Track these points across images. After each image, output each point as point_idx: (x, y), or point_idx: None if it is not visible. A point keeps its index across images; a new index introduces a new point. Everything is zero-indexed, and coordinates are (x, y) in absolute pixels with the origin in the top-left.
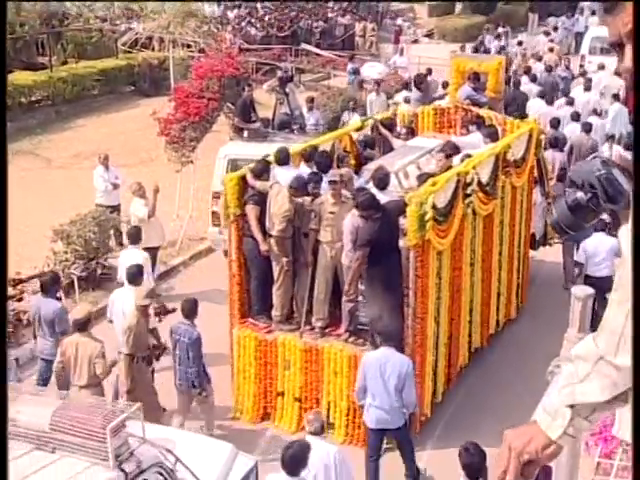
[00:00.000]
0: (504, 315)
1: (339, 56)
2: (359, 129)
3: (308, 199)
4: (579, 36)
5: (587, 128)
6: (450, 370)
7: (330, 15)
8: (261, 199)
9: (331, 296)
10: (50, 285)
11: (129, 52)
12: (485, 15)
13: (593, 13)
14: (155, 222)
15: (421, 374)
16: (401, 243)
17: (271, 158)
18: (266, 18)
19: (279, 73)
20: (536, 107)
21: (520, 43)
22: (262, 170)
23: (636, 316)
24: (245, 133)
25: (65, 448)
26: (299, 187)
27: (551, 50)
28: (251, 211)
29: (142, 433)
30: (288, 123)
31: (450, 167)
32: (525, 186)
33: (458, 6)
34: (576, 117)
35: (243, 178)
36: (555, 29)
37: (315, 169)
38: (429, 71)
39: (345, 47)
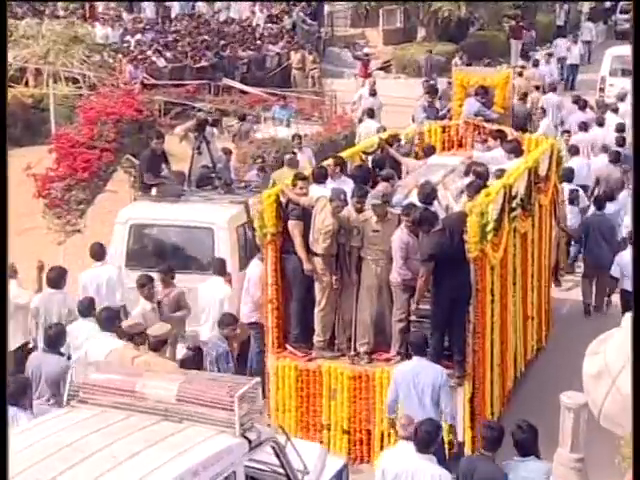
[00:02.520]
0: (537, 341)
1: (271, 94)
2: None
3: (354, 214)
4: (573, 69)
5: (614, 158)
6: (504, 392)
7: (259, 42)
8: (303, 214)
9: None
10: (55, 339)
11: None
12: (454, 43)
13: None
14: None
15: (480, 393)
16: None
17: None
18: (177, 45)
19: (197, 115)
20: None
21: None
22: (320, 175)
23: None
24: (153, 191)
25: (192, 418)
26: (339, 200)
27: (520, 75)
28: (295, 227)
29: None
30: (209, 178)
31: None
32: (548, 207)
33: (421, 32)
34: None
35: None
36: (535, 63)
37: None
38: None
39: (279, 82)
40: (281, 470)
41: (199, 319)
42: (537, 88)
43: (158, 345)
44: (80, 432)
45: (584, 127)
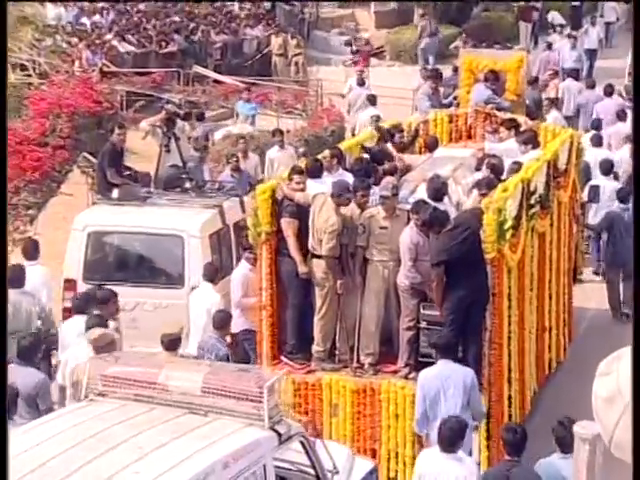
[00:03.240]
0: (556, 355)
1: (249, 84)
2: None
3: (357, 210)
4: (591, 54)
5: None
6: (523, 411)
7: (235, 25)
8: (299, 212)
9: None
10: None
11: None
12: (456, 25)
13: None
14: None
15: (497, 410)
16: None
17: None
18: (142, 28)
19: (166, 107)
20: None
21: None
22: (316, 170)
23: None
24: (115, 194)
25: (218, 410)
26: (343, 194)
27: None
28: (289, 225)
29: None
30: (179, 179)
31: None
32: (568, 204)
33: (418, 13)
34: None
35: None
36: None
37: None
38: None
39: (258, 70)
40: (309, 470)
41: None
42: (555, 74)
43: (172, 344)
44: (102, 424)
45: (623, 116)
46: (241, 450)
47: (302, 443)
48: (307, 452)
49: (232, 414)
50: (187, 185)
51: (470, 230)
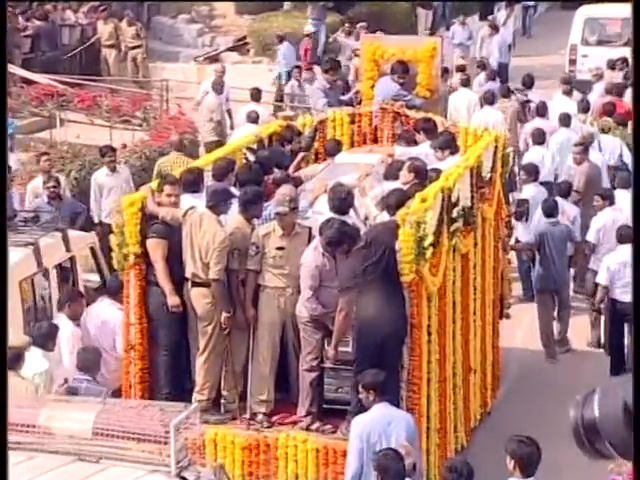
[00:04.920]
0: (480, 405)
1: (71, 84)
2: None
3: (246, 228)
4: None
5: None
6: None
7: (49, 7)
8: (168, 231)
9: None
10: None
11: None
12: (338, 12)
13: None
14: None
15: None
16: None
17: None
18: None
19: None
20: None
21: None
22: (193, 182)
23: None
24: None
25: (112, 456)
26: (219, 204)
27: None
28: (156, 247)
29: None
30: None
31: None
32: (492, 221)
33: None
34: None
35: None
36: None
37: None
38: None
39: (83, 67)
40: None
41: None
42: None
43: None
44: None
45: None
46: None
47: None
48: None
49: (130, 459)
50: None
51: (385, 248)
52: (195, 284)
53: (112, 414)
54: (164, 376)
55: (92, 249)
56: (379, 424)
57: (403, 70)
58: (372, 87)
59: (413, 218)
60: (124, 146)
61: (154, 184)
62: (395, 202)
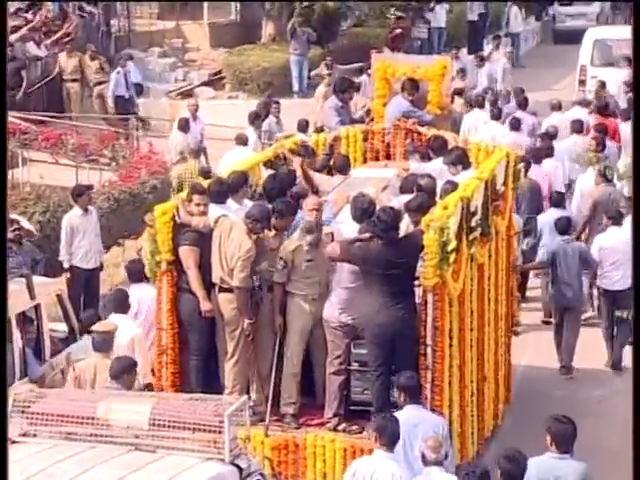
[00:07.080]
0: (493, 416)
1: (33, 121)
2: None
3: (274, 241)
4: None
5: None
6: None
7: (10, 38)
8: (200, 239)
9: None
10: None
11: None
12: (319, 45)
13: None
14: None
15: None
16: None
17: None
18: None
19: None
20: None
21: None
22: (219, 193)
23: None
24: None
25: (169, 445)
26: (262, 219)
27: None
28: (189, 255)
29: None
30: None
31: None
32: (504, 234)
33: (268, 28)
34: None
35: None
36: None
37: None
38: None
39: (46, 103)
40: None
41: None
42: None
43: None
44: (43, 462)
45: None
46: None
47: None
48: None
49: (185, 449)
50: None
51: (416, 246)
52: (222, 289)
53: (167, 406)
54: (195, 380)
55: (59, 296)
56: (404, 425)
57: (413, 87)
58: (384, 105)
59: (437, 224)
60: (91, 187)
61: (184, 194)
62: (417, 206)
